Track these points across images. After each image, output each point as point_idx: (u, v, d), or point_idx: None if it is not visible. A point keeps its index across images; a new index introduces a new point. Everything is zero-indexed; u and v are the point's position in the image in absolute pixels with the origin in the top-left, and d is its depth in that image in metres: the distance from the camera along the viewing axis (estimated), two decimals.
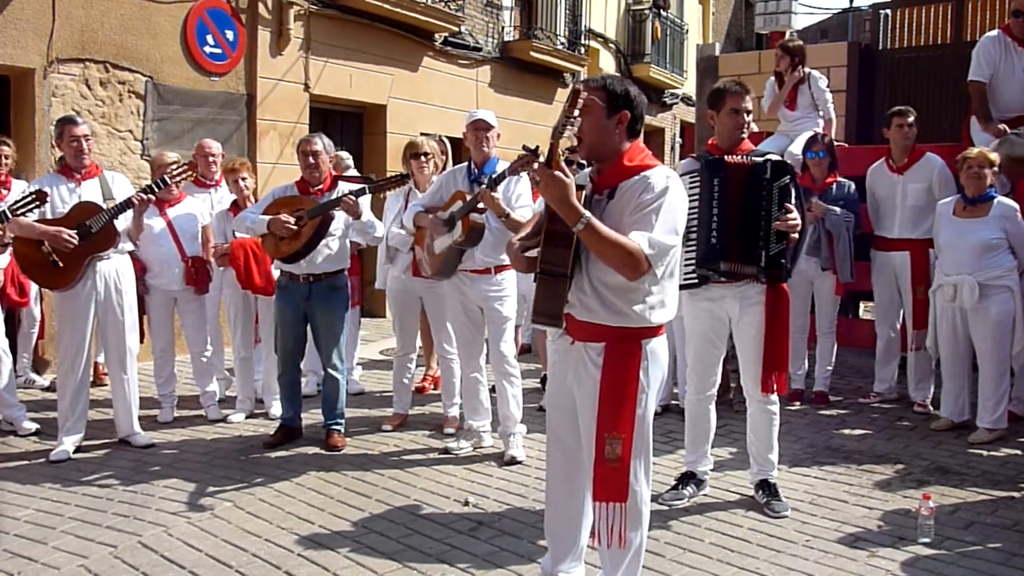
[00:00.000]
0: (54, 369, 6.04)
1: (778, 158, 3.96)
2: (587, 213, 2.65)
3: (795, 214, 3.87)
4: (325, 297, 4.99)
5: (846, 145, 7.00)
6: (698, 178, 3.97)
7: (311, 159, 4.92)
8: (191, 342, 5.70)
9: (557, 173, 2.62)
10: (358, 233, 5.06)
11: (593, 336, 2.83)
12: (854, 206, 5.87)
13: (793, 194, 3.91)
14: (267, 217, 4.79)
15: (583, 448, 2.93)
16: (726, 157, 3.93)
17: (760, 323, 3.94)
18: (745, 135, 4.00)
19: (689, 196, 3.96)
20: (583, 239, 2.68)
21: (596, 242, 2.65)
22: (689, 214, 3.93)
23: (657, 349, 2.88)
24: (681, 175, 4.05)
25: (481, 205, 4.47)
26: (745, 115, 3.94)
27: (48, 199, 4.65)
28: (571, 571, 3.10)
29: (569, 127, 2.67)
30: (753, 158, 3.93)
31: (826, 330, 6.12)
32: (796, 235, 3.90)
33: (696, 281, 3.97)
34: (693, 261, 3.95)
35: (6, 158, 5.76)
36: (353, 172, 6.70)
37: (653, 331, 2.86)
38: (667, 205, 2.73)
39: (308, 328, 5.11)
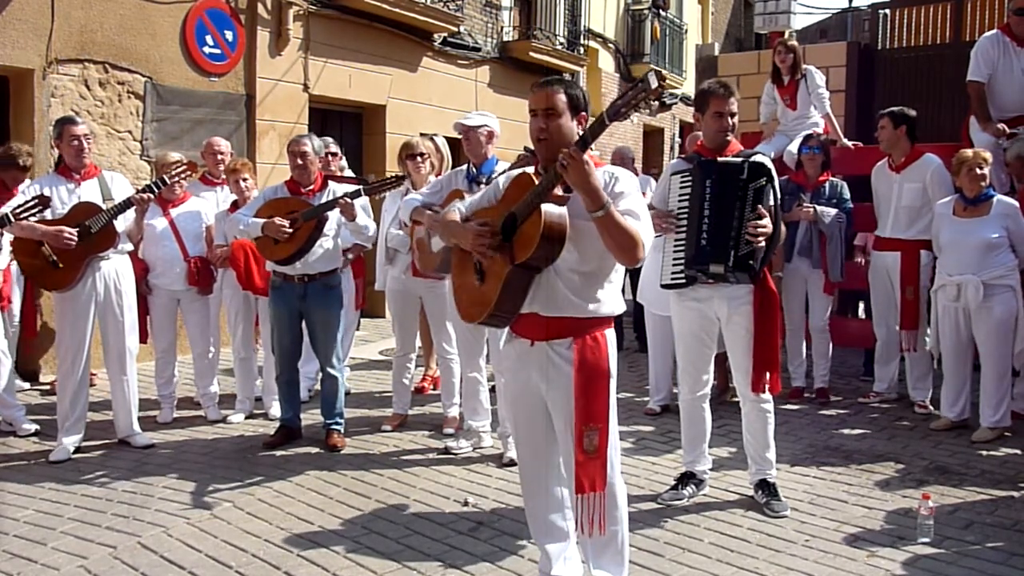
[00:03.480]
0: (52, 370, 6.03)
1: (761, 159, 3.89)
2: (608, 198, 2.65)
3: (766, 220, 3.79)
4: (320, 296, 5.00)
5: (861, 144, 7.01)
6: (690, 178, 3.95)
7: (299, 160, 4.93)
8: (194, 343, 5.69)
9: (587, 156, 2.61)
10: (353, 233, 5.06)
11: (559, 332, 2.85)
12: (846, 205, 5.91)
13: (770, 197, 3.85)
14: (261, 220, 4.79)
15: (559, 444, 2.95)
16: (718, 159, 3.91)
17: (749, 323, 3.93)
18: (730, 137, 3.97)
19: (680, 195, 3.96)
20: (601, 224, 2.65)
21: (613, 227, 2.65)
22: (679, 214, 3.94)
23: (612, 339, 2.95)
24: (671, 174, 4.06)
25: None
26: (729, 118, 3.90)
27: (50, 203, 4.66)
28: (568, 569, 3.10)
29: (639, 111, 2.62)
30: (732, 158, 3.90)
31: (820, 329, 6.13)
32: (763, 243, 3.80)
33: (684, 281, 3.96)
34: (681, 261, 3.94)
35: None
36: (348, 173, 6.69)
37: (609, 322, 2.93)
38: (640, 200, 2.82)
39: (302, 327, 5.12)
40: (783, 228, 4.09)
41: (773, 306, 3.95)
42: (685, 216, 3.93)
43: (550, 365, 2.87)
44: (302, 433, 5.20)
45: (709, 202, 3.87)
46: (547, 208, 2.68)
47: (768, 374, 3.95)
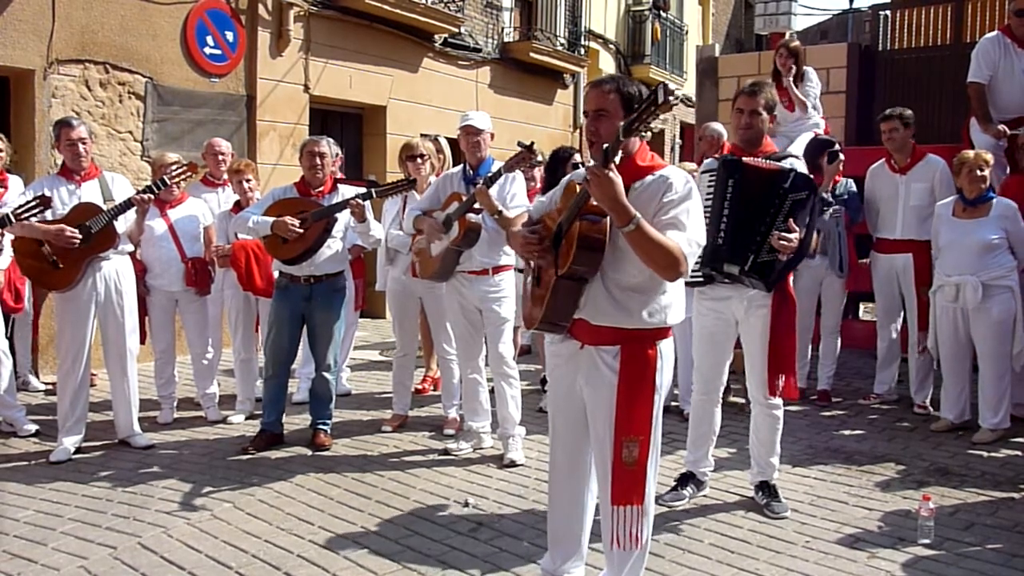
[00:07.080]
0: (52, 370, 6.03)
1: (805, 171, 3.83)
2: (637, 213, 2.60)
3: (795, 234, 3.73)
4: (325, 298, 5.00)
5: (857, 146, 7.02)
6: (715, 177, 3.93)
7: (317, 160, 4.93)
8: (192, 344, 5.69)
9: (610, 172, 2.56)
10: (359, 236, 5.07)
11: (607, 339, 2.81)
12: (855, 202, 5.92)
13: (807, 211, 3.77)
14: (271, 219, 4.78)
15: (594, 451, 2.92)
16: (743, 159, 3.87)
17: (765, 326, 3.91)
18: (751, 135, 3.93)
19: (706, 195, 3.91)
20: (631, 240, 2.61)
21: (644, 243, 2.60)
22: (704, 213, 3.91)
23: (667, 350, 2.88)
24: (702, 173, 4.05)
25: (477, 205, 4.48)
26: (750, 116, 3.88)
27: (52, 204, 4.66)
28: (572, 571, 3.10)
29: (648, 130, 2.58)
30: (772, 162, 3.85)
31: (831, 329, 6.12)
32: (784, 257, 3.76)
33: (702, 280, 3.95)
34: (699, 259, 3.93)
35: (0, 151, 5.71)
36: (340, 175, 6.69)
37: (665, 332, 2.87)
38: (695, 206, 2.76)
39: (301, 331, 5.11)
40: (815, 240, 3.96)
41: (790, 311, 3.92)
42: (708, 215, 3.89)
43: (594, 370, 2.84)
44: (284, 439, 5.14)
45: (729, 202, 3.82)
46: (583, 218, 2.68)
47: (783, 377, 3.93)
